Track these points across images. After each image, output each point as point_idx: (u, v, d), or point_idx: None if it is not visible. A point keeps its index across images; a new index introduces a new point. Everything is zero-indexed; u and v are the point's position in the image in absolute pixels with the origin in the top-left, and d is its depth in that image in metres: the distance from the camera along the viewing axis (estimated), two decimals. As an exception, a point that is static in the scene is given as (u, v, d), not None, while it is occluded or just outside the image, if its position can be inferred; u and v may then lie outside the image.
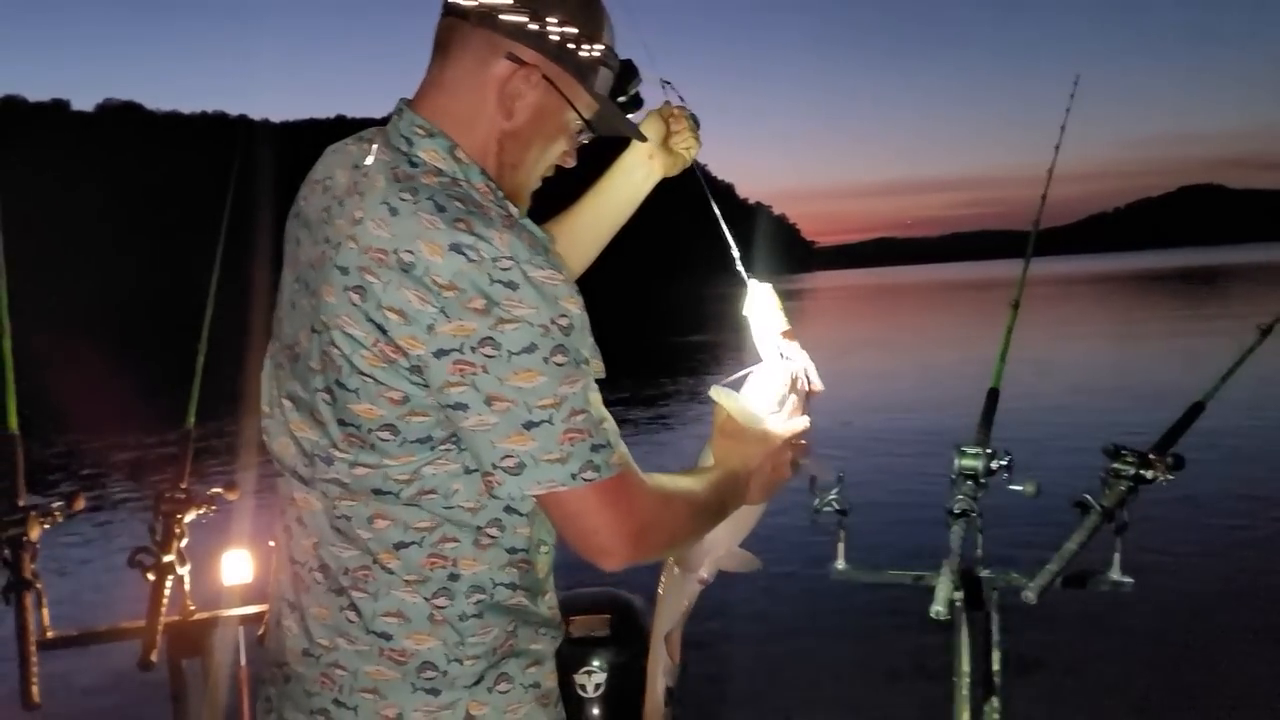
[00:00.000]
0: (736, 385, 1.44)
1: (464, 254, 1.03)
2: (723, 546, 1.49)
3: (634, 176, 1.59)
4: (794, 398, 1.43)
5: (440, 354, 1.03)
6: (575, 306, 1.08)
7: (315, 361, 1.11)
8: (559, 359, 1.05)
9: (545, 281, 1.05)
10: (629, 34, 1.32)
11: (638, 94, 1.31)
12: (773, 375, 1.43)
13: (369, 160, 1.14)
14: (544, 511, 1.14)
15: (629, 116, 1.33)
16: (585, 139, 1.29)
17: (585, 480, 1.07)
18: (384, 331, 1.04)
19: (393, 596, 1.13)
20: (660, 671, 1.56)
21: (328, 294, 1.08)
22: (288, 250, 1.23)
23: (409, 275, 1.03)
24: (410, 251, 1.03)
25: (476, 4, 1.17)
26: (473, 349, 1.03)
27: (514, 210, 1.13)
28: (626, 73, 1.29)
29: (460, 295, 1.02)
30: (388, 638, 1.14)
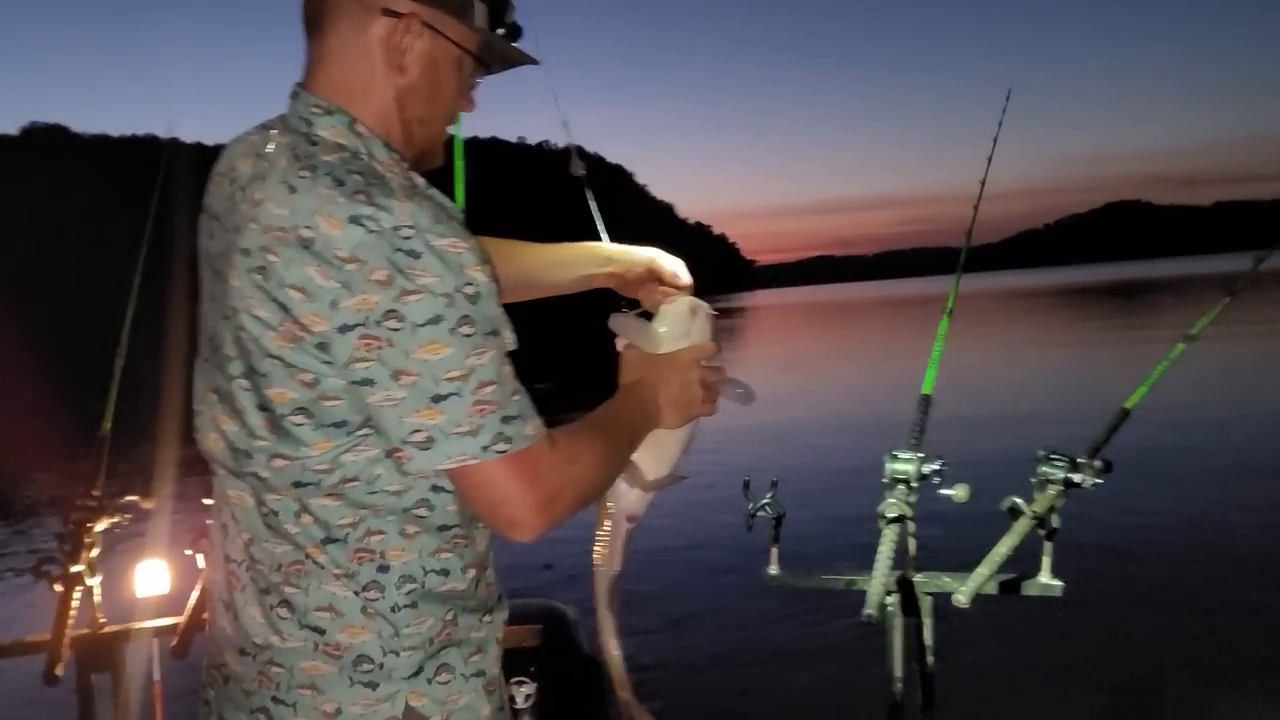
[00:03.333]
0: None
1: (363, 225, 1.01)
2: (647, 480, 1.44)
3: (579, 269, 1.53)
4: (699, 325, 1.42)
5: (345, 329, 1.01)
6: (482, 274, 1.06)
7: (230, 349, 1.09)
8: (465, 329, 1.04)
9: (449, 249, 1.03)
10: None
11: (515, 21, 1.28)
12: (674, 305, 1.42)
13: (270, 147, 1.12)
14: (453, 484, 1.12)
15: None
16: (479, 78, 1.26)
17: (496, 452, 1.05)
18: (288, 310, 1.03)
19: (324, 591, 1.11)
20: (610, 633, 1.49)
21: (233, 278, 1.07)
22: (201, 246, 1.21)
23: (309, 251, 1.01)
24: (309, 227, 1.01)
25: None
26: (377, 322, 1.01)
27: (419, 181, 1.11)
28: (499, 2, 1.25)
29: (362, 268, 1.00)
30: (321, 632, 1.11)
